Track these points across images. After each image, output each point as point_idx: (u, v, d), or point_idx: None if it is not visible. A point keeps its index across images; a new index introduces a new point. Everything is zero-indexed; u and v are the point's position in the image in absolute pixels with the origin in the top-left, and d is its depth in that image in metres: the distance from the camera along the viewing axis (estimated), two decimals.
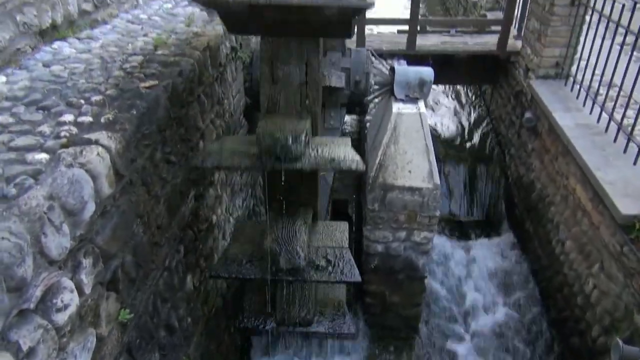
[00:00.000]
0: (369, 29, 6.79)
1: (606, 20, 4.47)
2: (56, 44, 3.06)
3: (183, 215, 2.89)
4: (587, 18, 5.04)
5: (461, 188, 6.28)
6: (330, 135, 3.92)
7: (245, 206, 4.44)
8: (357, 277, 2.74)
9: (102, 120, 2.17)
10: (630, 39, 4.07)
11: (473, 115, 7.78)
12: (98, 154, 1.92)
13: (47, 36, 3.04)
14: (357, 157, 2.60)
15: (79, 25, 3.34)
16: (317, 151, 2.61)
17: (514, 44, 6.33)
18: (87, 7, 3.41)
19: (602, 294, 3.75)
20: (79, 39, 3.21)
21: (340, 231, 3.02)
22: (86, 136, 2.03)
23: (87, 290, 1.85)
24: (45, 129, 2.09)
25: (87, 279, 1.85)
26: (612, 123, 4.31)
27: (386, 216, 4.15)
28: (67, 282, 1.72)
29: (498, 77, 6.91)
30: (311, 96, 2.69)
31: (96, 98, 2.37)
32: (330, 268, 2.79)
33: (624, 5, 4.16)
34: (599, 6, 4.60)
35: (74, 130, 2.09)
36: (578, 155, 4.19)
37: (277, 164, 2.51)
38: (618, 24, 4.25)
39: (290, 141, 2.43)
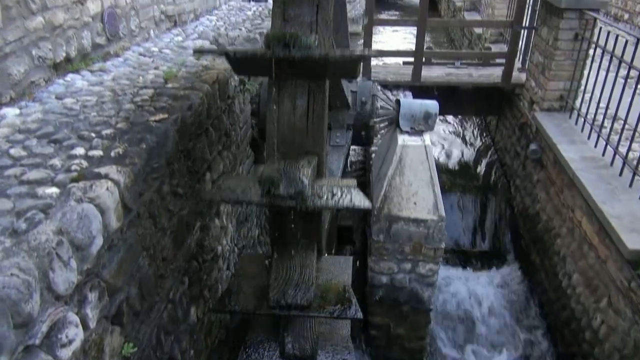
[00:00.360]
0: (374, 61, 6.89)
1: (609, 55, 4.53)
2: (69, 77, 3.14)
3: (188, 246, 2.90)
4: (591, 52, 5.11)
5: (466, 218, 6.26)
6: (336, 153, 3.97)
7: (250, 236, 4.45)
8: (359, 315, 2.72)
9: (112, 154, 2.21)
10: (634, 72, 4.12)
11: (478, 146, 7.81)
12: (107, 188, 1.95)
13: (61, 69, 3.12)
14: (366, 200, 2.61)
15: (92, 58, 3.42)
16: (323, 193, 2.61)
17: (518, 76, 6.40)
18: (100, 40, 3.51)
19: (611, 330, 3.70)
20: (91, 71, 3.29)
21: (345, 267, 3.01)
22: (96, 170, 2.06)
23: (92, 324, 1.86)
24: (57, 162, 2.13)
25: (92, 314, 1.85)
26: (617, 156, 4.33)
27: (391, 247, 4.14)
28: (73, 317, 1.72)
29: (503, 108, 6.97)
30: (316, 136, 2.71)
31: (107, 132, 2.42)
32: (332, 307, 2.78)
33: (627, 41, 4.22)
34: (602, 41, 4.67)
35: (85, 164, 2.13)
36: (583, 188, 4.19)
37: (282, 202, 2.52)
38: (621, 60, 4.31)
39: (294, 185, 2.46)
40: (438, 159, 7.30)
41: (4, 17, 2.59)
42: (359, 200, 2.58)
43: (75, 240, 1.74)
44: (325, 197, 2.58)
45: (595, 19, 4.96)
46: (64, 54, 3.12)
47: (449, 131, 8.40)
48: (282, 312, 2.72)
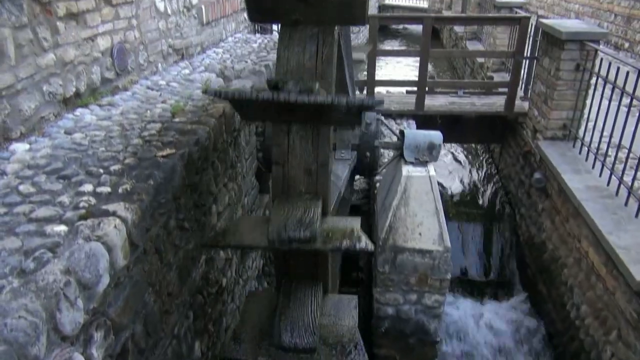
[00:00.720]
0: (378, 90, 6.98)
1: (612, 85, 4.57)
2: (78, 111, 3.19)
3: (194, 280, 2.90)
4: (593, 81, 5.16)
5: (472, 247, 6.23)
6: (342, 164, 3.98)
7: (255, 267, 4.43)
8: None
9: (120, 190, 2.23)
10: (636, 102, 4.15)
11: (482, 174, 7.82)
12: (115, 226, 1.97)
13: (71, 104, 3.17)
14: (368, 241, 2.62)
15: (101, 92, 3.48)
16: (330, 236, 2.62)
17: (521, 105, 6.46)
18: (110, 75, 3.57)
19: None
20: (100, 105, 3.34)
21: (350, 308, 2.98)
22: (104, 207, 2.08)
23: None
24: (65, 199, 2.15)
25: (97, 353, 1.84)
26: (622, 186, 4.32)
27: (397, 278, 4.12)
28: (79, 358, 1.71)
29: (506, 136, 7.01)
30: (322, 179, 2.73)
31: (115, 167, 2.44)
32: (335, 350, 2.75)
33: (628, 73, 4.26)
34: (604, 69, 4.71)
35: (93, 200, 2.15)
36: (589, 219, 4.18)
37: (288, 245, 2.53)
38: (623, 91, 4.35)
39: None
40: (442, 186, 7.31)
41: (16, 55, 2.66)
42: (364, 243, 2.59)
43: (83, 279, 1.74)
44: (332, 240, 2.58)
45: (596, 50, 5.02)
46: (73, 89, 3.17)
47: (453, 159, 8.43)
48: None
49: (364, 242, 2.57)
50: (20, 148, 2.64)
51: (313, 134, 2.65)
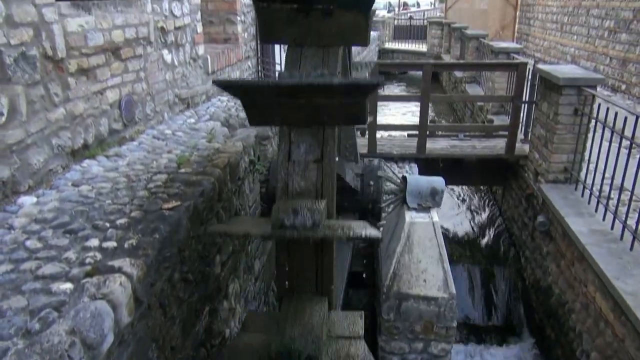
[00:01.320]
0: (379, 133, 7.07)
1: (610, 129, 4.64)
2: (86, 163, 3.25)
3: (197, 333, 2.87)
4: (592, 125, 5.23)
5: (477, 291, 6.16)
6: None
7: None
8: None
9: (126, 245, 2.25)
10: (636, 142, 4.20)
11: (485, 215, 7.82)
12: (121, 283, 1.98)
13: (78, 155, 3.23)
14: (375, 230, 2.62)
15: (108, 143, 3.55)
16: (334, 225, 2.62)
17: (521, 147, 6.53)
18: (117, 126, 3.65)
19: None
20: (107, 156, 3.40)
21: (356, 325, 2.91)
22: (110, 263, 2.10)
23: None
24: (71, 255, 2.17)
25: None
26: (626, 230, 4.31)
27: (402, 326, 4.07)
28: None
29: (508, 179, 7.05)
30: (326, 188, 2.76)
31: (121, 221, 2.47)
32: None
33: (626, 118, 4.33)
34: (603, 111, 4.78)
35: (99, 256, 2.17)
36: (595, 264, 4.15)
37: (296, 233, 2.52)
38: (622, 135, 4.41)
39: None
40: (445, 228, 7.29)
41: (28, 110, 2.73)
42: (369, 230, 2.59)
43: (88, 340, 1.74)
44: (337, 228, 2.57)
45: (593, 95, 5.12)
46: (82, 141, 3.24)
47: (456, 201, 8.44)
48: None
49: (369, 229, 2.57)
50: (28, 201, 2.68)
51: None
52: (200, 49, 5.16)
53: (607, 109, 4.74)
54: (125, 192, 2.85)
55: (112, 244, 2.27)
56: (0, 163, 2.56)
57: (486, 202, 8.23)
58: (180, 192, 2.84)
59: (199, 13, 5.14)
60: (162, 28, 4.24)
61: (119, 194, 2.82)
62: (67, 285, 1.94)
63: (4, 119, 2.55)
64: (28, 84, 2.72)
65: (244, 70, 6.82)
